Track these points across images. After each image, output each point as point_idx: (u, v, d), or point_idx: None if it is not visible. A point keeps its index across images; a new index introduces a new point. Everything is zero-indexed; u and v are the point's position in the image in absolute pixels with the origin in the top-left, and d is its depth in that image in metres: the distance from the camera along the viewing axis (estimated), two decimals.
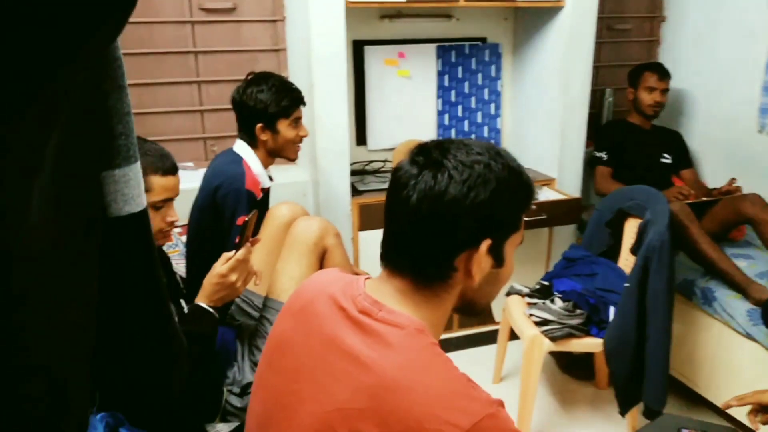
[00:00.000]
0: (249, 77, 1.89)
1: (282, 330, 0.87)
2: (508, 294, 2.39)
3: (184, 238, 2.12)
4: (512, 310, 2.26)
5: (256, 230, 1.69)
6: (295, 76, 2.50)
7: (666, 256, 1.93)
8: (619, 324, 2.01)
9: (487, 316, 2.75)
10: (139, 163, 0.54)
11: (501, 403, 0.73)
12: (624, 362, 2.02)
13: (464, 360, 2.67)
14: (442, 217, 0.79)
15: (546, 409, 2.37)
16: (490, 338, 2.67)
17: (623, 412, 2.08)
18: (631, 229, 2.24)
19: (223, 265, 1.34)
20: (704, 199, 2.57)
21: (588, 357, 2.49)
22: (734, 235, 2.57)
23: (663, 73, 2.74)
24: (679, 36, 3.10)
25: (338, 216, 2.32)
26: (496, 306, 2.75)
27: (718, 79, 2.88)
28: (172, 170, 1.35)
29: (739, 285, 2.12)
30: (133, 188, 0.53)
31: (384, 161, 2.71)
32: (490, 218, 0.80)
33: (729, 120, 2.84)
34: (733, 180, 2.62)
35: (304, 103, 1.91)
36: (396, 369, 0.73)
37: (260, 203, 1.87)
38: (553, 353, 2.67)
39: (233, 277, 1.33)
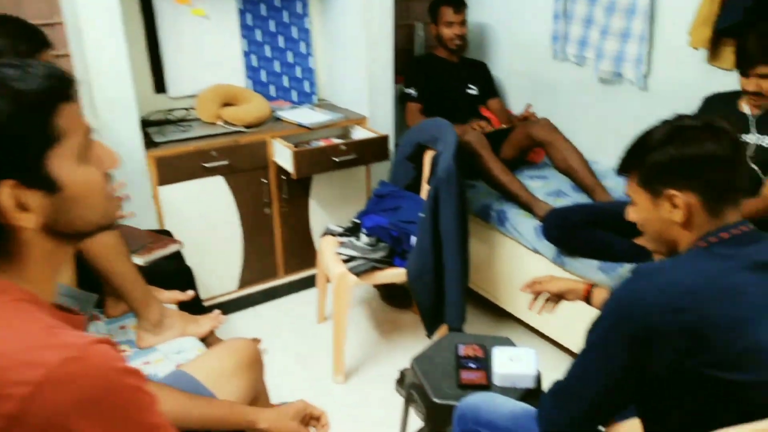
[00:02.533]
0: None
1: None
2: (323, 235, 2.40)
3: None
4: (324, 250, 2.28)
5: None
6: (69, 22, 2.26)
7: (453, 186, 2.02)
8: (418, 253, 2.09)
9: (312, 260, 2.76)
10: None
11: (95, 341, 0.67)
12: (425, 288, 2.12)
13: (292, 305, 2.69)
14: None
15: (368, 339, 2.45)
16: (315, 281, 2.69)
17: (429, 334, 2.20)
18: (429, 161, 2.31)
19: None
20: (503, 126, 2.70)
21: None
22: (533, 158, 2.75)
23: (458, 6, 2.78)
24: None
25: (130, 172, 2.17)
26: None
27: (516, 9, 3.00)
28: None
29: (526, 204, 2.28)
30: None
31: (188, 109, 2.56)
32: None
33: (528, 49, 2.98)
34: (528, 106, 2.78)
35: (48, 44, 1.70)
36: None
37: None
38: (377, 286, 2.75)
39: None
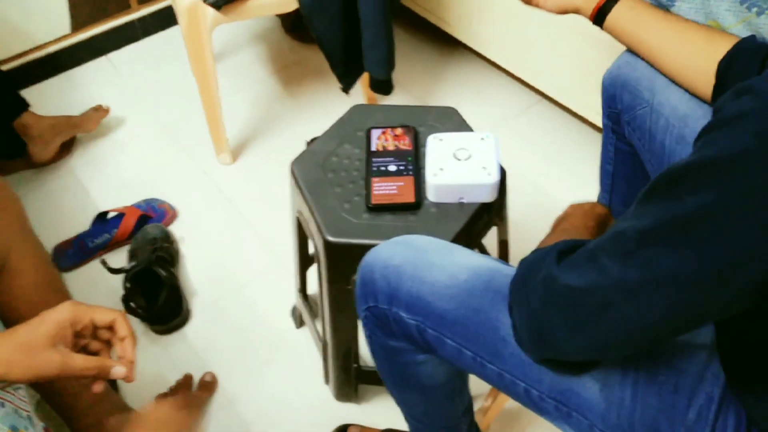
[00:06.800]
0: None
1: None
2: None
3: None
4: None
5: None
6: None
7: None
8: None
9: None
10: None
11: None
12: (330, 19, 1.35)
13: (157, 50, 1.92)
14: None
15: (265, 96, 1.75)
16: None
17: (345, 88, 1.50)
18: None
19: None
20: None
21: None
22: None
23: None
24: None
25: None
26: None
27: None
28: None
29: None
30: None
31: None
32: None
33: None
34: None
35: None
36: None
37: None
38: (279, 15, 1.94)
39: None
